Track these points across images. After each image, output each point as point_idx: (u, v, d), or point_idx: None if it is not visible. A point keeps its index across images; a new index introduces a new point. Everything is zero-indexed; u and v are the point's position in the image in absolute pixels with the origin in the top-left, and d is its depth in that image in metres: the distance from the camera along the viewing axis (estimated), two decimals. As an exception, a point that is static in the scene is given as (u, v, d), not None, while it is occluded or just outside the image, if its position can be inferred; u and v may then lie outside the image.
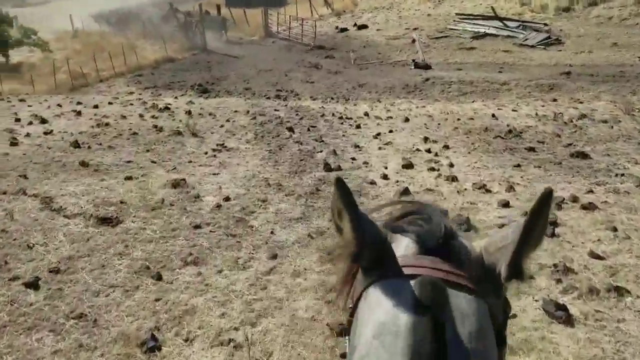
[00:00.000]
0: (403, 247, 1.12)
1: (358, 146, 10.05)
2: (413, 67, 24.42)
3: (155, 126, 11.77)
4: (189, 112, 13.74)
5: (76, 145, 9.89)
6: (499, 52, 25.33)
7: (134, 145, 10.11)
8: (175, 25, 35.20)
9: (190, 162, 9.00)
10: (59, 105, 15.66)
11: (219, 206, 6.73)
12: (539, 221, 0.99)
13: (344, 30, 34.84)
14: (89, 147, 9.95)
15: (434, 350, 0.91)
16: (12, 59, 30.79)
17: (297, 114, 14.11)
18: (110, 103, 16.20)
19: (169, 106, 14.50)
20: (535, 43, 25.60)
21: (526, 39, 26.16)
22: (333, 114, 14.22)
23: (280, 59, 29.20)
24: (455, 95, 20.84)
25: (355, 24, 35.40)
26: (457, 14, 31.53)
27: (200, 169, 8.56)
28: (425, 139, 10.44)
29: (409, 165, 8.45)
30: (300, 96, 21.98)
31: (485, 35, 27.84)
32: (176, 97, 21.90)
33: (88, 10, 41.39)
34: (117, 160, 9.03)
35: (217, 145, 10.08)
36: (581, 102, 18.18)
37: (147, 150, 9.73)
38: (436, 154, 9.32)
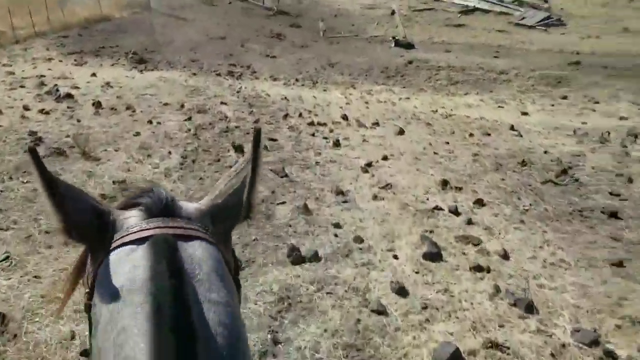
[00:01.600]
0: (132, 217, 1.12)
1: (342, 192, 6.49)
2: (393, 45, 20.93)
3: (33, 133, 7.83)
4: (97, 105, 9.84)
5: None
6: (493, 32, 22.09)
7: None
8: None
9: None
10: None
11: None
12: (258, 160, 1.14)
13: (312, -7, 30.73)
14: None
15: (175, 296, 0.90)
16: None
17: (250, 112, 10.49)
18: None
19: (71, 93, 10.47)
20: (535, 23, 22.51)
21: (523, 18, 23.00)
22: (300, 114, 10.75)
23: (236, 24, 25.07)
24: (444, 85, 17.56)
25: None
26: (442, -17, 28.02)
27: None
28: (444, 183, 6.96)
29: (435, 256, 4.96)
30: (258, 74, 18.26)
31: (475, 10, 24.54)
32: (101, 66, 17.82)
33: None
34: None
35: (114, 182, 6.31)
36: (597, 102, 15.12)
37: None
38: (469, 222, 5.87)
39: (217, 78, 17.41)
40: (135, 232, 1.06)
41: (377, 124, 10.67)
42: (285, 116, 10.69)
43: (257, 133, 1.11)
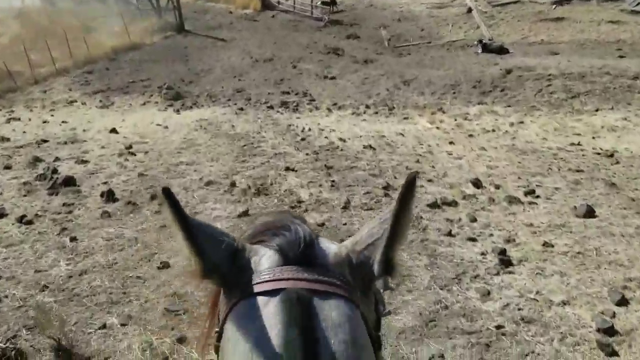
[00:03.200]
0: (265, 259, 1.07)
1: None
2: (480, 51, 17.20)
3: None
4: (107, 196, 6.68)
5: None
6: (604, 24, 18.04)
7: None
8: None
9: None
10: None
11: None
12: (407, 209, 1.00)
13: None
14: None
15: None
16: None
17: (332, 185, 7.23)
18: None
19: (73, 177, 7.33)
20: (657, 8, 18.08)
21: (638, 3, 18.57)
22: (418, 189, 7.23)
23: (283, 41, 21.88)
24: (562, 99, 13.75)
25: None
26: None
27: None
28: None
29: None
30: (318, 102, 15.03)
31: (571, -1, 20.30)
32: (130, 106, 15.09)
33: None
34: None
35: None
36: None
37: None
38: None
39: (270, 114, 14.24)
40: (268, 282, 1.00)
41: (531, 191, 6.97)
42: (386, 188, 7.14)
43: (412, 179, 0.96)
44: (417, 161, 8.84)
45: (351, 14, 25.18)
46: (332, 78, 17.40)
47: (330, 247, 1.11)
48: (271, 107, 15.35)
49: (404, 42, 20.09)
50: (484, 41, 17.81)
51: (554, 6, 19.86)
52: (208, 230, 1.06)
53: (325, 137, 10.99)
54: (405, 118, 13.70)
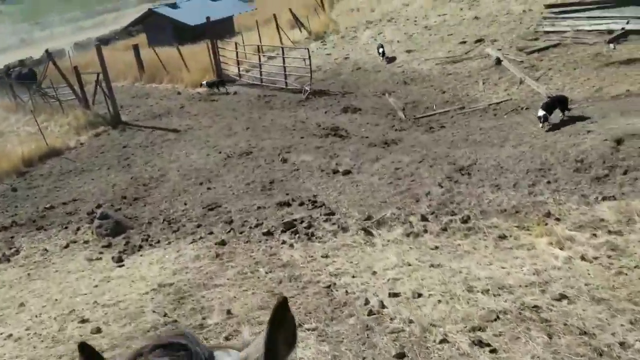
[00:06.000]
0: None
1: None
2: (548, 121, 12.27)
3: None
4: None
5: None
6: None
7: None
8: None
9: None
10: None
11: None
12: (279, 330, 1.10)
13: (346, 58, 22.62)
14: None
15: None
16: None
17: None
18: None
19: None
20: None
21: None
22: None
23: (259, 124, 16.93)
24: None
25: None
26: (548, 5, 19.75)
27: None
28: None
29: None
30: (341, 217, 10.41)
31: (626, 33, 16.14)
32: (43, 260, 10.89)
33: None
34: None
35: None
36: None
37: None
38: None
39: (277, 252, 9.02)
40: None
41: None
42: None
43: (282, 302, 1.09)
44: None
45: (337, 81, 20.46)
46: (346, 173, 12.32)
47: None
48: (269, 234, 10.12)
49: (427, 111, 15.30)
50: (549, 98, 13.08)
51: (612, 45, 15.66)
52: None
53: (398, 319, 5.70)
54: (501, 237, 8.61)
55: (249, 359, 1.12)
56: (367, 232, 9.62)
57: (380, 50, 21.07)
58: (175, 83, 25.94)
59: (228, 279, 8.32)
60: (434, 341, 5.97)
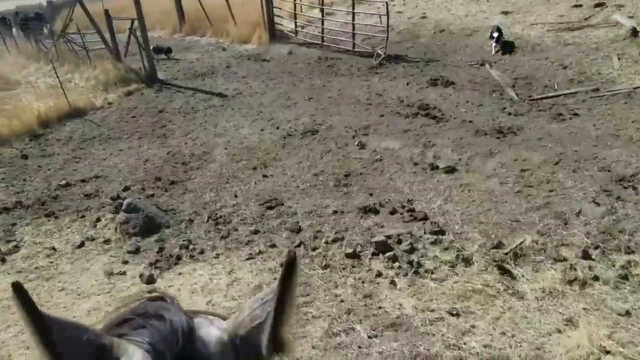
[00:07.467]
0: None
1: None
2: None
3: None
4: None
5: None
6: None
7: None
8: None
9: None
10: None
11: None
12: (290, 287, 1.01)
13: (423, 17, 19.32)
14: None
15: None
16: None
17: None
18: None
19: None
20: None
21: None
22: None
23: (325, 95, 13.84)
24: None
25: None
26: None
27: None
28: None
29: None
30: (449, 230, 7.25)
31: None
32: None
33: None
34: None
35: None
36: None
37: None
38: None
39: (373, 308, 6.37)
40: None
41: None
42: None
43: (292, 259, 1.00)
44: None
45: (416, 45, 17.25)
46: (450, 170, 9.42)
47: (211, 334, 1.06)
48: (355, 258, 7.33)
49: (547, 91, 12.11)
50: None
51: None
52: (67, 328, 0.97)
53: None
54: None
55: (242, 327, 1.04)
56: (503, 270, 6.72)
57: (495, 35, 15.35)
58: (220, 37, 23.19)
59: (312, 346, 5.55)
60: None
